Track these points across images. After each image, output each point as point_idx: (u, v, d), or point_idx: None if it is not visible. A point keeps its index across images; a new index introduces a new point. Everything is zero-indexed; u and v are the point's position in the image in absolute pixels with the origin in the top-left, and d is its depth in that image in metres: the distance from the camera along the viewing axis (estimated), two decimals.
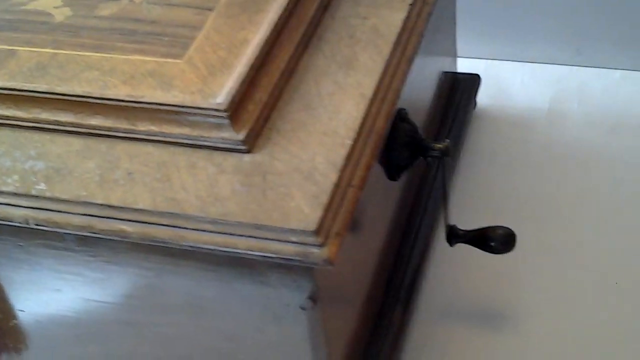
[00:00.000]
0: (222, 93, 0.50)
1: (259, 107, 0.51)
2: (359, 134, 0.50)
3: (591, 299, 0.69)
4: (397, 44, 0.56)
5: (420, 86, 0.71)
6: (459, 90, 0.85)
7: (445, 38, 0.79)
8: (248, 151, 0.49)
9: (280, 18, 0.56)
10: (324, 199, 0.46)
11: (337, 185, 0.47)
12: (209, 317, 0.53)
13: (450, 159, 0.63)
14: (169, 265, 0.51)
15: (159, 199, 0.47)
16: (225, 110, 0.49)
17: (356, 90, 0.52)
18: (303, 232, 0.44)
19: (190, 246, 0.46)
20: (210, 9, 0.59)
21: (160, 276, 0.51)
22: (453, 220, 0.67)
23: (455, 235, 0.67)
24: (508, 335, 0.68)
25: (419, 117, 0.70)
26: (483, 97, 0.89)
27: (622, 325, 0.67)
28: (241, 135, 0.49)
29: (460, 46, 0.88)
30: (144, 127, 0.51)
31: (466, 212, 0.76)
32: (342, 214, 0.46)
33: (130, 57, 0.55)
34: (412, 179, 0.71)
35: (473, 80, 0.86)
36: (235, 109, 0.50)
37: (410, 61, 0.55)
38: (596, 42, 0.91)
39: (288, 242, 0.45)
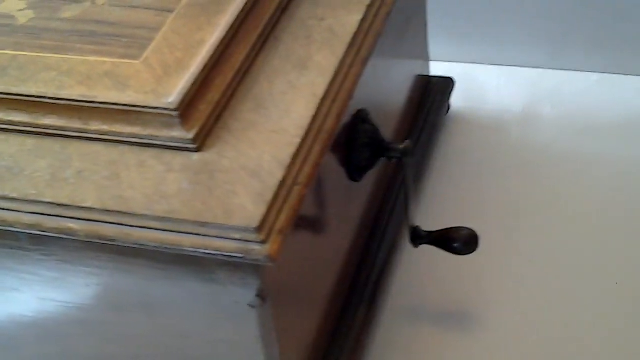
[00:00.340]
0: (174, 93, 0.51)
1: (210, 106, 0.52)
2: (308, 132, 0.50)
3: (556, 300, 0.69)
4: (351, 44, 0.56)
5: (388, 88, 0.72)
6: (431, 94, 0.85)
7: (416, 41, 0.80)
8: (197, 150, 0.50)
9: (236, 19, 0.57)
10: (268, 196, 0.46)
11: (282, 183, 0.47)
12: (162, 316, 0.53)
13: (412, 160, 0.63)
14: (120, 263, 0.51)
15: (106, 197, 0.48)
16: (175, 110, 0.50)
17: (308, 90, 0.53)
18: (245, 229, 0.45)
19: (137, 244, 0.46)
20: (170, 11, 0.60)
21: (112, 275, 0.52)
22: (423, 223, 0.68)
23: (418, 237, 0.67)
24: (473, 336, 0.68)
25: (388, 120, 0.71)
26: (458, 100, 0.89)
27: (585, 324, 0.67)
28: (191, 134, 0.50)
29: (437, 50, 0.88)
30: (96, 126, 0.51)
31: (436, 214, 0.76)
32: (286, 211, 0.46)
33: (88, 58, 0.55)
34: (381, 180, 0.71)
35: (446, 84, 0.87)
36: (186, 108, 0.50)
37: (364, 62, 0.55)
38: (571, 45, 0.91)
39: (231, 239, 0.45)
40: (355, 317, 0.66)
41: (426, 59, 0.84)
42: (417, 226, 0.68)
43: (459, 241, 0.66)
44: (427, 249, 0.66)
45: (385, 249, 0.69)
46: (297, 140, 0.50)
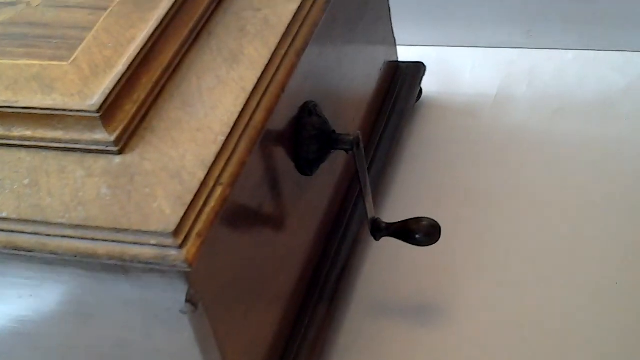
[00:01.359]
0: (97, 94, 0.49)
1: (135, 106, 0.50)
2: (234, 129, 0.48)
3: (525, 291, 0.66)
4: (285, 35, 0.54)
5: (346, 77, 0.69)
6: (400, 80, 0.82)
7: (377, 25, 0.77)
8: (120, 152, 0.48)
9: (167, 15, 0.55)
10: (188, 198, 0.44)
11: (204, 184, 0.45)
12: (98, 325, 0.52)
13: (372, 149, 0.61)
14: (50, 273, 0.49)
15: (23, 206, 0.46)
16: (97, 112, 0.48)
17: (237, 85, 0.51)
18: (162, 233, 0.43)
19: (53, 254, 0.45)
20: (104, 9, 0.58)
21: (43, 285, 0.50)
22: (393, 214, 0.66)
23: (378, 229, 0.65)
24: (440, 329, 0.66)
25: (350, 109, 0.69)
26: (431, 85, 0.87)
27: (556, 314, 0.64)
28: (113, 137, 0.48)
29: (408, 34, 0.86)
30: (18, 132, 0.50)
31: (406, 204, 0.74)
32: (207, 213, 0.44)
33: (17, 61, 0.54)
34: (344, 172, 0.69)
35: (416, 69, 0.84)
36: (108, 109, 0.49)
37: (299, 53, 0.53)
38: (547, 22, 0.89)
39: (147, 245, 0.43)
40: (314, 316, 0.64)
41: (392, 43, 0.81)
42: (377, 218, 0.65)
43: (419, 232, 0.64)
44: (394, 241, 0.64)
45: (347, 243, 0.67)
46: (222, 138, 0.48)
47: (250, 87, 0.50)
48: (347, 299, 0.67)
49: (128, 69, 0.51)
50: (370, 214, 0.65)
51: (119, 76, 0.50)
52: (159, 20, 0.54)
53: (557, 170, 0.75)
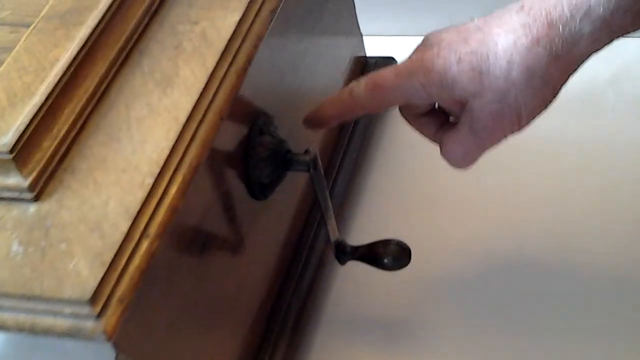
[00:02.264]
0: (11, 131, 0.43)
1: (55, 142, 0.44)
2: (164, 168, 0.42)
3: (504, 311, 0.61)
4: (225, 53, 0.48)
5: (306, 83, 0.63)
6: None
7: (341, 20, 0.71)
8: (35, 199, 0.42)
9: (95, 30, 0.49)
10: (108, 256, 0.39)
11: (127, 238, 0.39)
12: None
13: (329, 170, 0.55)
14: None
15: None
16: (9, 152, 0.42)
17: (170, 114, 0.45)
18: (77, 301, 0.37)
19: None
20: (27, 25, 0.52)
21: None
22: (362, 231, 0.61)
23: (343, 252, 0.60)
24: (413, 356, 0.60)
25: None
26: None
27: (530, 330, 0.59)
28: (28, 181, 0.42)
29: (377, 24, 0.79)
30: None
31: (377, 219, 0.68)
32: (130, 274, 0.39)
33: None
34: (306, 192, 0.63)
35: (386, 65, 0.77)
36: (23, 149, 0.43)
37: (241, 72, 0.47)
38: None
39: (61, 315, 0.37)
40: (277, 347, 0.58)
41: (358, 36, 0.75)
42: (341, 241, 0.60)
43: (387, 256, 0.58)
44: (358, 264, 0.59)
45: (312, 266, 0.62)
46: (150, 180, 0.42)
47: (183, 117, 0.44)
48: (314, 326, 0.61)
49: (48, 98, 0.45)
50: (334, 236, 0.59)
51: (37, 107, 0.45)
52: (85, 39, 0.49)
53: (541, 169, 0.69)
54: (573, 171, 0.69)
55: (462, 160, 0.53)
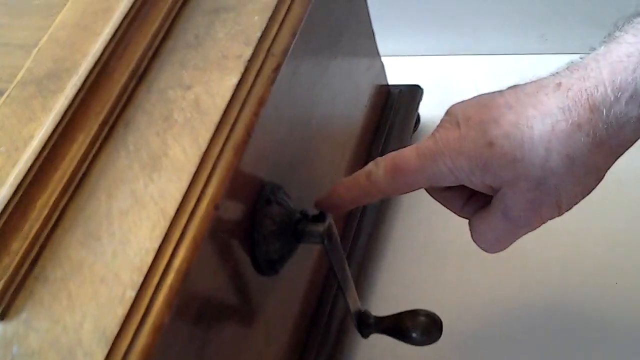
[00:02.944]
0: None
1: (25, 244, 0.38)
2: (148, 277, 0.36)
3: None
4: (221, 125, 0.41)
5: (325, 130, 0.57)
6: (392, 111, 0.70)
7: (359, 50, 0.64)
8: (2, 317, 0.36)
9: (73, 101, 0.43)
10: None
11: None
12: None
13: (335, 244, 0.48)
14: None
15: None
16: None
17: (156, 206, 0.39)
18: None
19: None
20: (2, 92, 0.46)
21: None
22: (387, 298, 0.53)
23: (366, 325, 0.54)
24: None
25: (330, 169, 0.56)
26: (430, 105, 0.73)
27: None
28: None
29: (398, 43, 0.72)
30: None
31: (403, 280, 0.62)
32: None
33: None
34: (322, 257, 0.57)
35: (412, 94, 0.71)
36: None
37: (239, 147, 0.41)
38: (562, 25, 0.75)
39: None
40: None
41: (378, 66, 0.68)
42: (364, 311, 0.53)
43: (415, 330, 0.52)
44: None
45: (331, 339, 0.55)
46: (131, 293, 0.36)
47: (172, 209, 0.38)
48: None
49: (18, 188, 0.39)
50: (354, 307, 0.53)
51: (5, 201, 0.39)
52: (63, 111, 0.43)
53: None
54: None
55: (494, 246, 0.48)
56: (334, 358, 0.56)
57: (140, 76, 0.45)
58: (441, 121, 0.47)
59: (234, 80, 0.44)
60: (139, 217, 0.39)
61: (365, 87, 0.66)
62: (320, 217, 0.52)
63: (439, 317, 0.52)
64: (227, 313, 0.45)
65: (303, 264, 0.54)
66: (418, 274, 0.63)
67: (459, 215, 0.50)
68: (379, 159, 0.49)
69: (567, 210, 0.46)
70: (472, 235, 0.49)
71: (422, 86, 0.72)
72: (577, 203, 0.45)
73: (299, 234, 0.49)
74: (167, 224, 0.38)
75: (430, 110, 0.74)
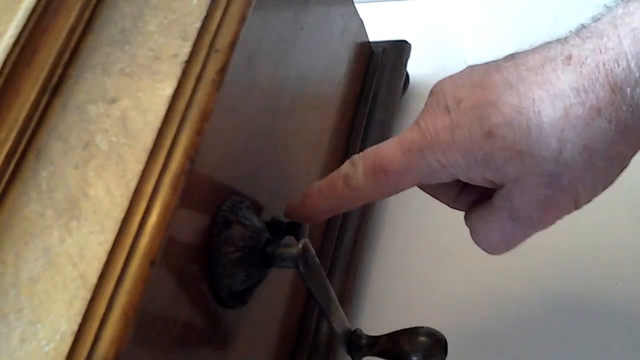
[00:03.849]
0: None
1: None
2: None
3: None
4: (156, 149, 0.32)
5: (298, 107, 0.48)
6: (375, 74, 0.60)
7: (331, 5, 0.55)
8: None
9: None
10: None
11: None
12: None
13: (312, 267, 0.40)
14: None
15: None
16: None
17: (75, 269, 0.30)
18: None
19: None
20: None
21: None
22: (378, 312, 0.46)
23: (358, 347, 0.45)
24: None
25: (307, 157, 0.48)
26: (420, 60, 0.64)
27: None
28: None
29: None
30: None
31: (395, 294, 0.54)
32: None
33: None
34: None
35: (398, 51, 0.62)
36: None
37: (178, 177, 0.32)
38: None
39: None
40: None
41: (355, 23, 0.59)
42: (354, 330, 0.45)
43: (415, 352, 0.44)
44: None
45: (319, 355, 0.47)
46: None
47: (94, 275, 0.30)
48: None
49: None
50: (342, 328, 0.45)
51: None
52: None
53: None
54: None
55: (499, 248, 0.40)
56: None
57: (54, 88, 0.36)
58: (426, 105, 0.39)
59: (168, 90, 0.35)
60: (53, 286, 0.30)
61: (342, 53, 0.56)
62: (295, 229, 0.44)
63: (442, 336, 0.44)
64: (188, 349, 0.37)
65: (277, 285, 0.46)
66: (410, 285, 0.54)
67: (451, 207, 0.42)
68: (355, 157, 0.40)
69: (586, 204, 0.38)
70: (472, 236, 0.41)
71: (408, 40, 0.62)
72: (597, 195, 0.37)
73: (269, 258, 0.40)
74: (89, 295, 0.30)
75: (421, 66, 0.65)
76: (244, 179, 0.41)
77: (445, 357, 0.44)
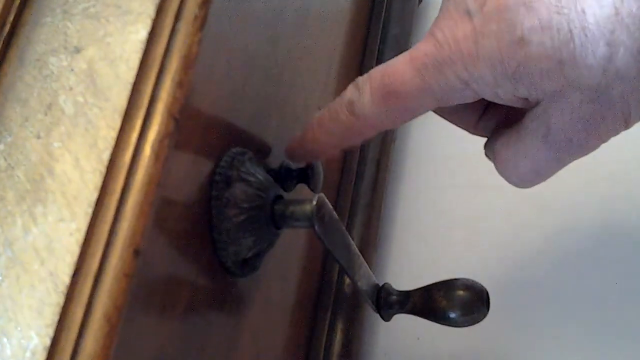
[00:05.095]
0: None
1: None
2: None
3: None
4: (131, 109, 0.26)
5: (302, 34, 0.42)
6: None
7: None
8: None
9: None
10: None
11: None
12: None
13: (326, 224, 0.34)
14: None
15: None
16: None
17: (43, 267, 0.25)
18: None
19: None
20: None
21: None
22: (405, 266, 0.40)
23: (387, 304, 0.40)
24: None
25: (321, 77, 0.42)
26: None
27: None
28: None
29: None
30: None
31: (423, 245, 0.48)
32: None
33: None
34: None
35: None
36: None
37: (162, 143, 0.26)
38: None
39: None
40: None
41: None
42: (382, 286, 0.40)
43: (453, 308, 0.39)
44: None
45: (341, 326, 0.42)
46: None
47: (66, 274, 0.24)
48: None
49: None
50: (368, 283, 0.39)
51: None
52: None
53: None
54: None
55: (531, 178, 0.34)
56: (350, 344, 0.42)
57: (7, 38, 0.30)
58: (441, 10, 0.33)
59: (142, 33, 0.28)
60: (18, 290, 0.25)
61: None
62: (307, 174, 0.38)
63: (482, 287, 0.39)
64: (198, 324, 0.32)
65: (291, 242, 0.40)
66: (439, 235, 0.48)
67: (472, 132, 0.37)
68: (360, 80, 0.35)
69: (637, 122, 0.32)
70: (497, 167, 0.35)
71: None
72: None
73: (279, 218, 0.35)
74: (61, 299, 0.24)
75: None
76: (244, 125, 0.35)
77: (487, 312, 0.39)
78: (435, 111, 0.36)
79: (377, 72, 0.33)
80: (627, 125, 0.32)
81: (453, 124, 0.37)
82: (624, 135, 0.47)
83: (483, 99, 0.33)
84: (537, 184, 0.35)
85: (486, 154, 0.36)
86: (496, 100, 0.33)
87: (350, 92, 0.34)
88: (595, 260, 0.49)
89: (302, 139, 0.36)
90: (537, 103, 0.32)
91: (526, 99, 0.32)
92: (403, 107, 0.33)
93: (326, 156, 0.37)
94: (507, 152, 0.34)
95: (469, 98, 0.33)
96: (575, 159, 0.33)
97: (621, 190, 0.50)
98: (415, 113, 0.33)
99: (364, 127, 0.34)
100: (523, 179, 0.35)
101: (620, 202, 0.49)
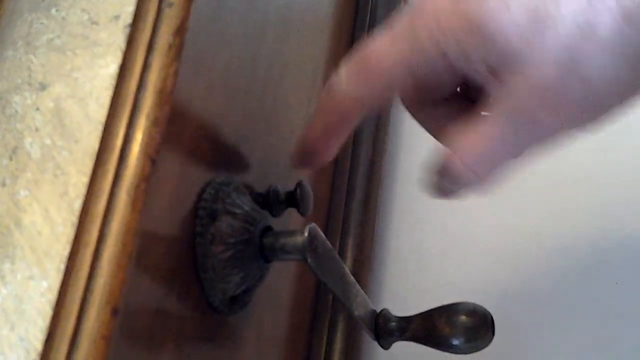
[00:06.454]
0: None
1: None
2: None
3: None
4: (103, 152, 0.24)
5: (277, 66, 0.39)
6: None
7: None
8: None
9: None
10: None
11: None
12: None
13: (317, 256, 0.32)
14: None
15: None
16: None
17: (12, 333, 0.22)
18: None
19: None
20: None
21: None
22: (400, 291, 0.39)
23: (386, 331, 0.38)
24: None
25: (303, 88, 0.40)
26: None
27: None
28: None
29: None
30: None
31: (419, 266, 0.46)
32: None
33: None
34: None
35: None
36: None
37: (139, 186, 0.24)
38: None
39: None
40: None
41: None
42: (380, 312, 0.38)
43: (456, 334, 0.37)
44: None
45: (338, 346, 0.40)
46: None
47: (38, 342, 0.22)
48: None
49: None
50: (364, 310, 0.37)
51: None
52: None
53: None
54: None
55: (483, 165, 0.31)
56: None
57: None
58: None
59: (112, 67, 0.26)
60: None
61: None
62: (296, 199, 0.36)
63: (485, 312, 0.37)
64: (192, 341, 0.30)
65: (281, 275, 0.38)
66: (436, 254, 0.46)
67: (434, 135, 0.34)
68: (342, 63, 0.32)
69: (606, 114, 0.29)
70: (447, 154, 0.32)
71: None
72: (624, 103, 0.29)
73: (268, 251, 0.32)
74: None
75: None
76: (228, 151, 0.33)
77: (492, 337, 0.37)
78: (413, 116, 0.34)
79: (357, 50, 0.32)
80: (594, 114, 0.29)
81: (425, 128, 0.35)
82: (622, 137, 0.45)
83: (461, 103, 0.32)
84: (487, 176, 0.32)
85: (443, 143, 0.33)
86: (466, 69, 0.30)
87: (332, 76, 0.32)
88: (600, 286, 0.48)
89: (302, 140, 0.34)
90: (506, 77, 0.29)
91: (494, 69, 0.29)
92: (375, 76, 0.31)
93: (329, 154, 0.34)
94: (462, 134, 0.32)
95: (440, 67, 0.30)
96: (532, 145, 0.31)
97: (620, 194, 0.49)
98: (392, 86, 0.31)
99: (347, 108, 0.32)
100: (473, 165, 0.32)
101: (620, 209, 0.48)
